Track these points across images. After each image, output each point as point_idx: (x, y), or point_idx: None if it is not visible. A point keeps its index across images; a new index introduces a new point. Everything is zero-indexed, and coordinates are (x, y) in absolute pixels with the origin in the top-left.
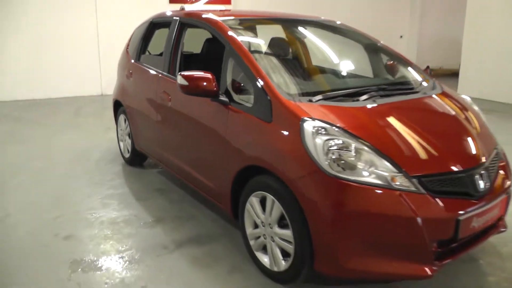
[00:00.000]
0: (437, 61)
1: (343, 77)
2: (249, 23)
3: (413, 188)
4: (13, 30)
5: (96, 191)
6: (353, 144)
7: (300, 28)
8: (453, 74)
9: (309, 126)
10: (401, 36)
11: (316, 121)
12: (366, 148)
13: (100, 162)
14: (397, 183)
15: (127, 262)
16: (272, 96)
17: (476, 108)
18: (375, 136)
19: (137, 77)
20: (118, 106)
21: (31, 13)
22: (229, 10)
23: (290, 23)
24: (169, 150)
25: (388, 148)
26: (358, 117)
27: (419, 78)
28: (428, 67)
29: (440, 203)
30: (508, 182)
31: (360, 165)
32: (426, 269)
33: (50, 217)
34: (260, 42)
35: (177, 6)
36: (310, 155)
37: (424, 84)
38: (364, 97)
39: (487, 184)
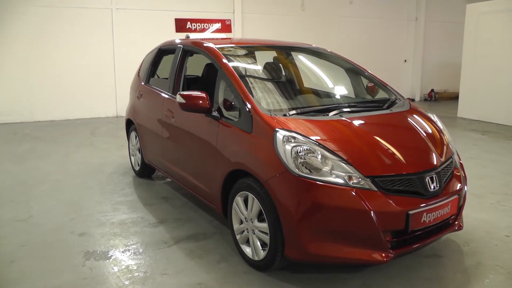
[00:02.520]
0: (442, 85)
1: (322, 96)
2: (243, 49)
3: (366, 186)
4: (36, 58)
5: (108, 198)
6: (317, 150)
7: (288, 54)
8: (457, 97)
9: (280, 135)
10: (405, 61)
11: (286, 131)
12: (327, 153)
13: (113, 175)
14: (354, 182)
15: (132, 254)
16: (253, 111)
17: (439, 124)
18: (337, 143)
19: (146, 97)
20: (129, 124)
21: (54, 42)
22: (230, 38)
23: (278, 49)
24: (172, 160)
25: (346, 153)
26: (323, 128)
27: (391, 97)
28: (432, 90)
29: (391, 199)
30: (459, 185)
31: (322, 167)
32: (381, 255)
33: (67, 219)
34: (249, 66)
35: (182, 35)
36: (281, 159)
37: (396, 102)
38: (333, 112)
39: (437, 185)
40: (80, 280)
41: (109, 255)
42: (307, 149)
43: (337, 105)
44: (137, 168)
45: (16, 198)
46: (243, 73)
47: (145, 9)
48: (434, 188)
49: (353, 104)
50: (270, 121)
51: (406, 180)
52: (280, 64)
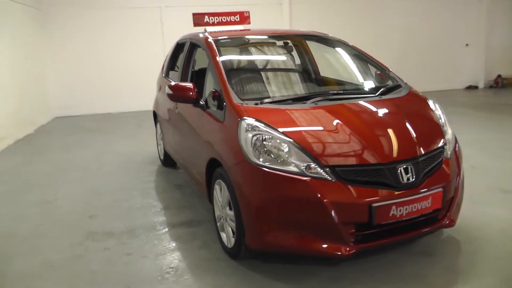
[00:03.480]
0: (510, 70)
1: (313, 83)
2: (240, 40)
3: (324, 176)
4: (93, 55)
5: (128, 185)
6: (278, 139)
7: (289, 43)
8: None
9: (244, 123)
10: (466, 45)
11: (251, 119)
12: (288, 142)
13: (141, 164)
14: (311, 171)
15: (128, 236)
16: (227, 100)
17: (437, 112)
18: (300, 132)
19: (163, 90)
20: (155, 116)
21: (109, 40)
22: (243, 30)
23: (277, 38)
24: (177, 149)
25: (307, 142)
26: (291, 116)
27: (394, 83)
28: (499, 76)
29: (352, 190)
30: (447, 178)
31: (281, 156)
32: (340, 248)
33: (85, 202)
34: (240, 57)
35: (200, 29)
36: (242, 147)
37: (397, 88)
38: (311, 100)
39: (413, 177)
40: (74, 258)
41: (106, 236)
42: (267, 138)
43: (320, 93)
44: (161, 157)
45: (48, 183)
46: (231, 64)
47: (193, 5)
48: (408, 180)
49: (340, 91)
50: (239, 110)
51: (372, 170)
52: (276, 54)
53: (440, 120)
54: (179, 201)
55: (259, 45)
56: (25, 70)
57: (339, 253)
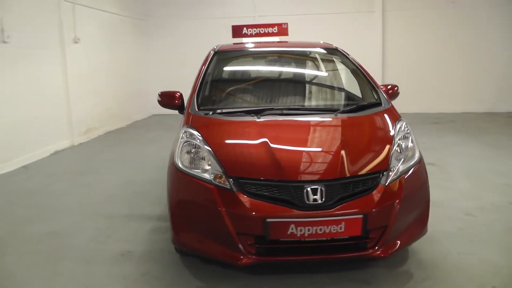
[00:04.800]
0: None
1: (282, 98)
2: (245, 53)
3: (227, 186)
4: (190, 60)
5: (158, 176)
6: (203, 149)
7: (284, 58)
8: None
9: (183, 130)
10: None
11: (190, 128)
12: (208, 151)
13: None
14: (218, 181)
15: (120, 223)
16: (187, 108)
17: (399, 136)
18: (223, 144)
19: None
20: None
21: (207, 49)
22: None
23: (278, 53)
24: None
25: (222, 153)
26: (226, 128)
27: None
28: None
29: (248, 203)
30: (371, 206)
31: (202, 164)
32: (236, 257)
33: (117, 189)
34: (232, 68)
35: (238, 40)
36: (175, 151)
37: (371, 107)
38: (260, 114)
39: (322, 199)
40: (79, 228)
41: (111, 217)
42: (196, 146)
43: (274, 107)
44: None
45: (97, 170)
46: (216, 74)
47: (286, 14)
48: (315, 201)
49: (296, 107)
50: (187, 118)
51: (275, 186)
52: (264, 68)
53: (395, 145)
54: None
55: (260, 58)
56: (126, 73)
57: (235, 262)
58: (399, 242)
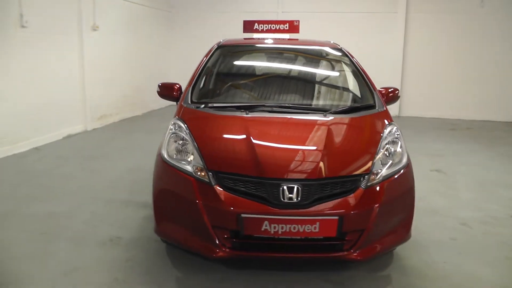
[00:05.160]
0: None
1: (286, 95)
2: (249, 49)
3: (206, 180)
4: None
5: None
6: (187, 141)
7: (285, 55)
8: None
9: (173, 121)
10: None
11: (179, 120)
12: (193, 144)
13: None
14: (199, 174)
15: (115, 209)
16: (181, 100)
17: (387, 140)
18: (207, 137)
19: None
20: None
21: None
22: (276, 39)
23: (280, 51)
24: None
25: (205, 146)
26: (214, 123)
27: (369, 103)
28: None
29: (223, 197)
30: (347, 208)
31: (185, 155)
32: (211, 250)
33: (121, 174)
34: (232, 62)
35: (248, 35)
36: (163, 141)
37: (364, 109)
38: (250, 110)
39: (298, 198)
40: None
41: (109, 202)
42: (182, 139)
43: (265, 104)
44: None
45: (106, 156)
46: (215, 68)
47: (307, 11)
48: (291, 199)
49: (287, 105)
50: (178, 110)
51: (252, 182)
52: (262, 65)
53: (383, 149)
54: None
55: (261, 54)
56: (146, 63)
57: (210, 254)
58: (378, 246)
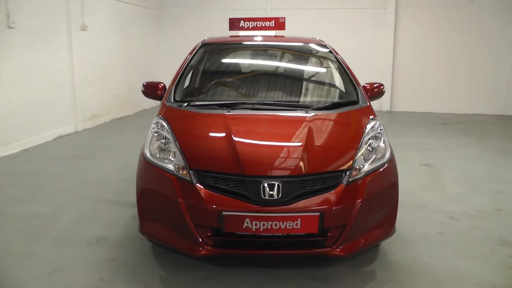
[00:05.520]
0: None
1: (258, 93)
2: (232, 46)
3: (187, 178)
4: None
5: None
6: (169, 139)
7: (268, 52)
8: None
9: (155, 121)
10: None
11: (161, 119)
12: (175, 143)
13: None
14: (181, 173)
15: (106, 208)
16: (164, 99)
17: (369, 136)
18: (188, 135)
19: None
20: None
21: None
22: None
23: (264, 48)
24: None
25: (187, 145)
26: (195, 120)
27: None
28: None
29: (204, 195)
30: (328, 204)
31: (167, 154)
32: (193, 248)
33: (110, 172)
34: (216, 60)
35: (235, 33)
36: (146, 141)
37: (347, 105)
38: (231, 108)
39: (278, 195)
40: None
41: (97, 202)
42: (164, 138)
43: (247, 101)
44: None
45: (95, 156)
46: (198, 66)
47: (298, 8)
48: (271, 196)
49: (270, 102)
50: (161, 108)
51: (232, 180)
52: (246, 62)
53: (365, 145)
54: None
55: (244, 51)
56: (136, 62)
57: (193, 252)
58: (361, 241)
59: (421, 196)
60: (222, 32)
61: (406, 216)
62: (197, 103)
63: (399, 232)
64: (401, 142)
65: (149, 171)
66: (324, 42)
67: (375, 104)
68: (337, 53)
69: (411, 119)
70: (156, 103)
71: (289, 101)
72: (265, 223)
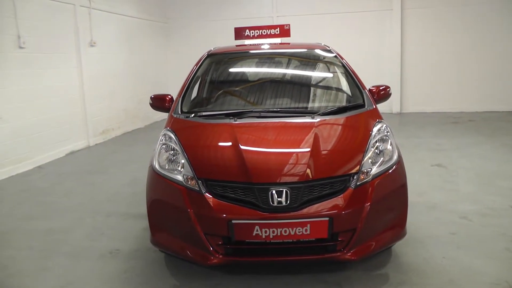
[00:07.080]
0: None
1: (267, 101)
2: (239, 55)
3: (196, 188)
4: None
5: None
6: (177, 151)
7: (275, 60)
8: None
9: (163, 133)
10: None
11: (169, 131)
12: (183, 154)
13: None
14: (190, 183)
15: (124, 218)
16: (171, 111)
17: (377, 137)
18: (195, 146)
19: None
20: None
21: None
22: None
23: (269, 56)
24: None
25: (195, 155)
26: (203, 131)
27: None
28: None
29: (213, 204)
30: (337, 209)
31: (176, 165)
32: (205, 257)
33: (120, 183)
34: (218, 71)
35: (240, 42)
36: (154, 152)
37: (353, 109)
38: (238, 117)
39: (287, 201)
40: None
41: (109, 216)
42: (172, 149)
43: (253, 110)
44: None
45: (107, 170)
46: (204, 77)
47: (304, 14)
48: (280, 203)
49: (276, 109)
50: (168, 120)
51: (241, 188)
52: (251, 71)
53: (373, 148)
54: None
55: (250, 60)
56: (145, 75)
57: (204, 262)
58: (372, 245)
59: (433, 196)
60: (228, 41)
61: (418, 217)
62: (203, 113)
63: (411, 233)
64: (412, 143)
65: (158, 183)
66: (329, 47)
67: (384, 106)
68: (342, 58)
69: (421, 120)
70: (166, 115)
71: (295, 108)
72: (275, 230)
